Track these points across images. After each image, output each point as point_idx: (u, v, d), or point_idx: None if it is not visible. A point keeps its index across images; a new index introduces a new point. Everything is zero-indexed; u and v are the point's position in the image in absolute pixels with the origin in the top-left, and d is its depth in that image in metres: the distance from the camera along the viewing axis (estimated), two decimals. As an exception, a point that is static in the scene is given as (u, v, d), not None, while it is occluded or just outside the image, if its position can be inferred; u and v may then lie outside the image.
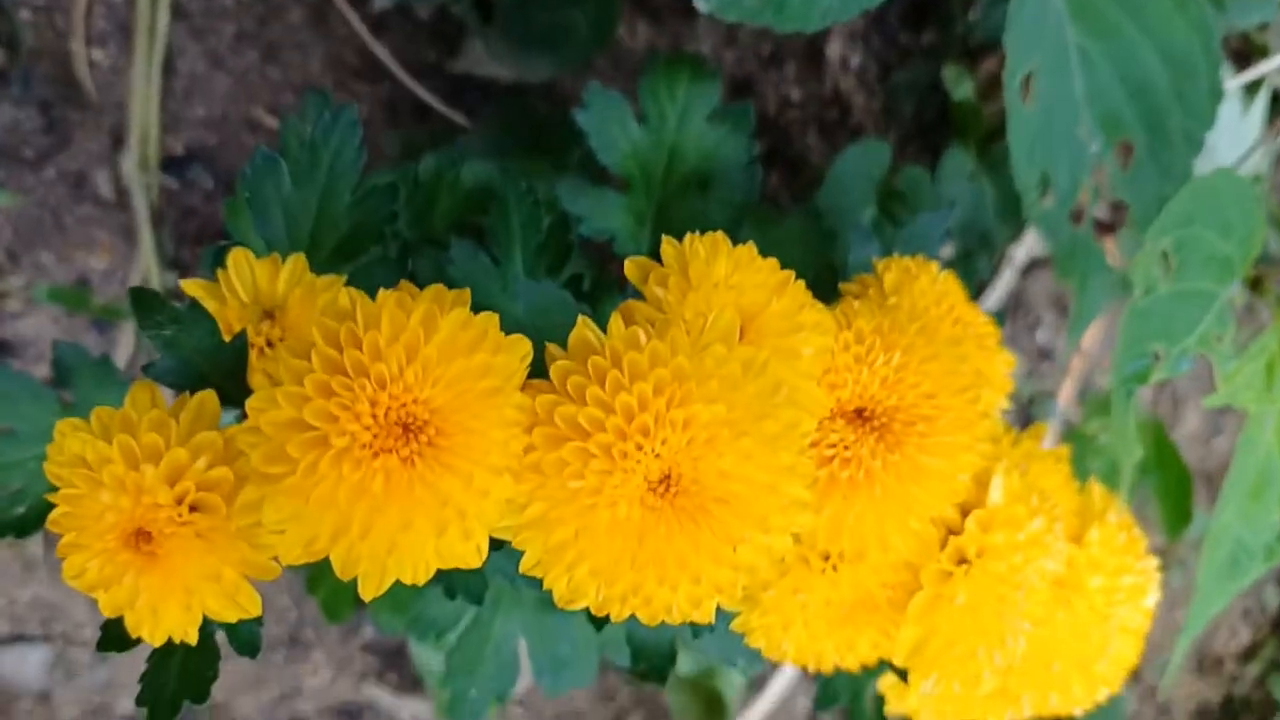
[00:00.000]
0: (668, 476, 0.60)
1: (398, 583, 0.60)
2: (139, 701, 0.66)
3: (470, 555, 0.59)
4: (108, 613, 0.60)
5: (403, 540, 0.55)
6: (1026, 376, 1.58)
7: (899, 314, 0.71)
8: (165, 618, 0.59)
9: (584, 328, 0.62)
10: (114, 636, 0.63)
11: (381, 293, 0.58)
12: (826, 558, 0.71)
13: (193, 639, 0.61)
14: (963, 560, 0.71)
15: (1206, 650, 1.78)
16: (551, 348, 0.62)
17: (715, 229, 0.99)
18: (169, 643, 0.65)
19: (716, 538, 0.59)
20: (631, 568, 0.59)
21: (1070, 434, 1.38)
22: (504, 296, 0.91)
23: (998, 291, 1.36)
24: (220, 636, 0.66)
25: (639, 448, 0.58)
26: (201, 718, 1.39)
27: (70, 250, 1.26)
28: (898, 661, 0.72)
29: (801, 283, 0.70)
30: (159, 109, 1.23)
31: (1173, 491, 1.09)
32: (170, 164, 1.27)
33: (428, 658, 1.31)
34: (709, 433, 0.59)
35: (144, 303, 0.59)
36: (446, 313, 0.58)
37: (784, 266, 0.98)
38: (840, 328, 0.70)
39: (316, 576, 0.95)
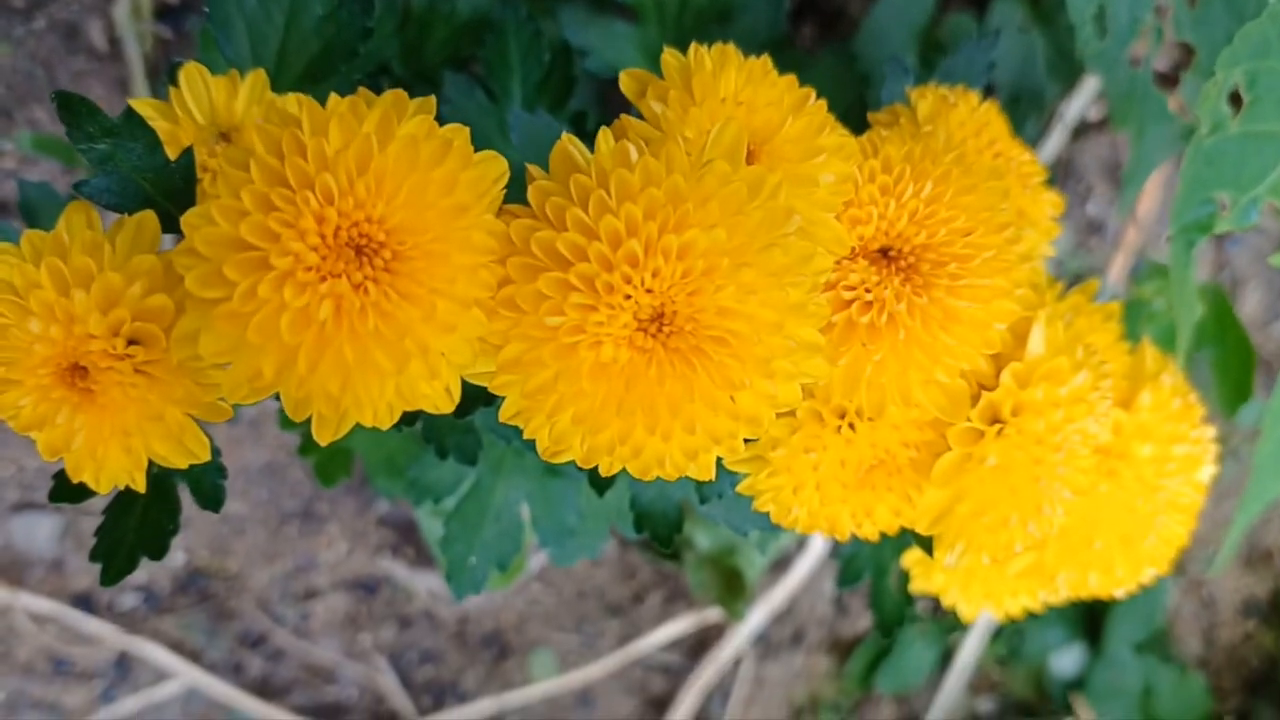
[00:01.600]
0: (660, 313, 0.53)
1: (394, 445, 0.54)
2: (93, 556, 0.61)
3: (439, 398, 0.53)
4: (46, 455, 0.54)
5: (357, 376, 0.49)
6: (1074, 250, 1.48)
7: (933, 141, 0.63)
8: (106, 461, 0.54)
9: (568, 143, 0.54)
10: (64, 486, 0.58)
11: (333, 98, 0.51)
12: (843, 415, 0.64)
13: (139, 485, 0.55)
14: (996, 419, 0.64)
15: (1255, 543, 1.70)
16: (531, 168, 0.55)
17: (736, 69, 0.90)
18: (128, 493, 0.60)
19: (714, 382, 0.53)
20: (618, 414, 0.53)
21: (1126, 302, 1.29)
22: (501, 138, 0.83)
23: (1046, 152, 1.26)
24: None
25: (626, 280, 0.51)
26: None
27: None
28: (921, 529, 0.65)
29: (823, 102, 0.61)
30: (148, -50, 1.15)
31: (1232, 364, 1.00)
32: (165, 12, 1.19)
33: (436, 529, 1.27)
34: (707, 262, 0.52)
35: (73, 111, 0.52)
36: (407, 119, 0.51)
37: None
38: (866, 155, 0.62)
39: (307, 439, 0.90)
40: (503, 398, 0.55)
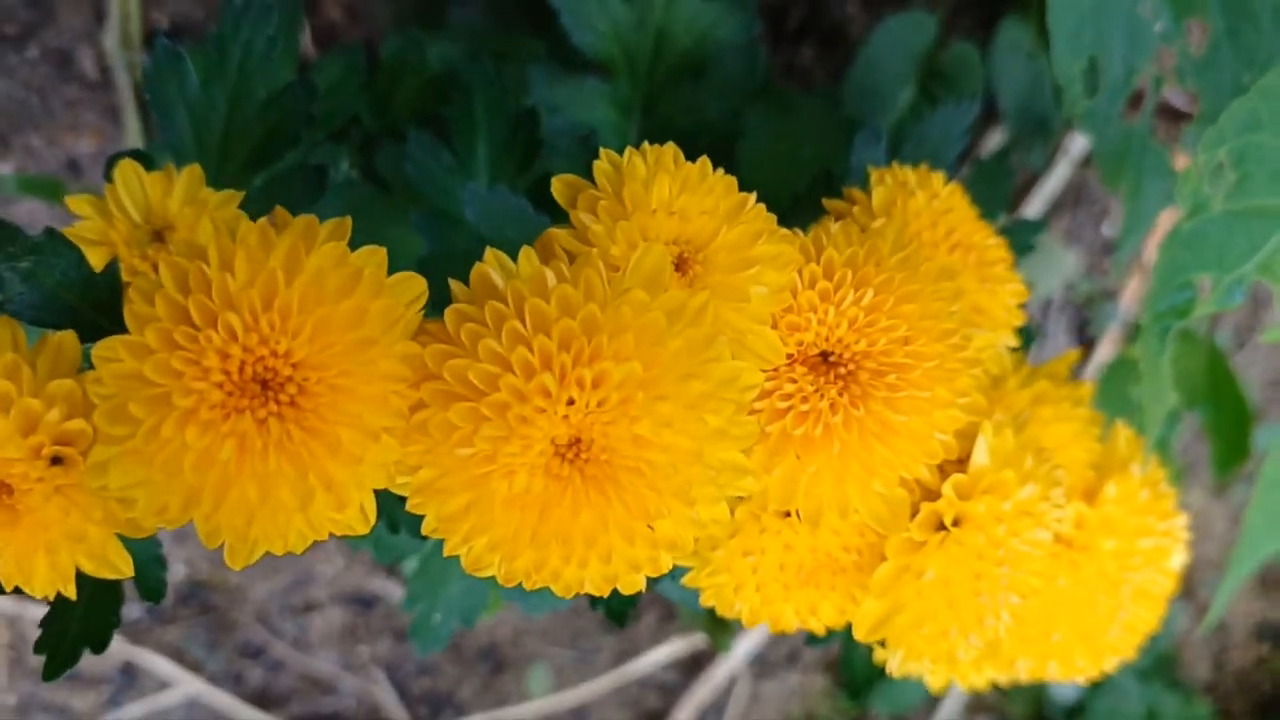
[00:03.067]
0: (577, 441, 0.52)
1: None
2: (37, 649, 0.62)
3: (354, 521, 0.53)
4: (-24, 566, 0.55)
5: (263, 513, 0.49)
6: (1087, 272, 1.45)
7: (880, 241, 0.61)
8: (34, 575, 0.54)
9: (488, 264, 0.53)
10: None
11: (243, 225, 0.50)
12: (785, 515, 0.63)
13: (70, 593, 0.56)
14: (939, 528, 0.63)
15: (1270, 568, 1.67)
16: (455, 286, 0.54)
17: (711, 122, 0.89)
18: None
19: (630, 512, 0.52)
20: (532, 544, 0.52)
21: (1120, 359, 1.26)
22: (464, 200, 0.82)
23: (1051, 184, 1.23)
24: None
25: (540, 410, 0.50)
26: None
27: (58, 133, 1.20)
28: (859, 636, 0.64)
29: (761, 208, 0.60)
30: (138, -22, 1.15)
31: (1227, 424, 0.97)
32: (155, 40, 1.19)
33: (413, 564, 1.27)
34: (622, 394, 0.51)
35: (-10, 232, 0.52)
36: (316, 249, 0.50)
37: (794, 161, 0.88)
38: (808, 258, 0.60)
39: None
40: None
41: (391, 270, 0.52)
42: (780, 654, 1.53)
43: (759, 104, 0.92)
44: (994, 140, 1.22)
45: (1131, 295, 1.45)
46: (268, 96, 0.66)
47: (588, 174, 0.61)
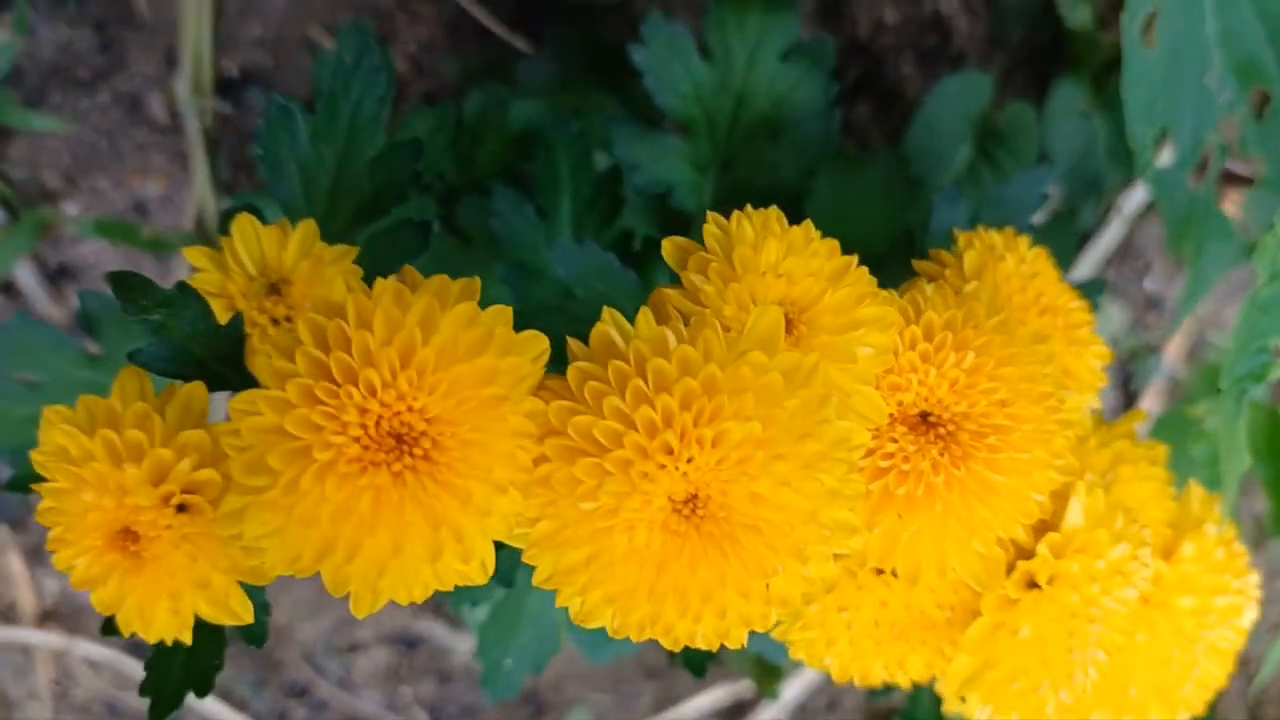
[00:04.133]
0: (694, 497, 0.53)
1: None
2: (142, 691, 0.63)
3: (474, 573, 0.54)
4: (100, 610, 0.57)
5: (394, 564, 0.50)
6: (1131, 327, 1.46)
7: (976, 305, 0.62)
8: (154, 621, 0.56)
9: (607, 324, 0.55)
10: (113, 625, 0.60)
11: (379, 284, 0.52)
12: (880, 572, 0.64)
13: (186, 639, 0.57)
14: (1032, 586, 0.64)
15: (1310, 623, 1.66)
16: (573, 344, 0.56)
17: (786, 182, 0.91)
18: (174, 631, 0.62)
19: (746, 569, 0.53)
20: (649, 598, 0.53)
21: (1174, 408, 1.27)
22: (548, 252, 0.84)
23: (1104, 243, 1.24)
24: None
25: (661, 467, 0.52)
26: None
27: (126, 176, 1.23)
28: (948, 693, 0.65)
29: (863, 271, 0.61)
30: (212, 29, 1.18)
31: (1285, 485, 0.98)
32: (225, 86, 1.22)
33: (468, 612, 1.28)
34: (741, 453, 0.52)
35: (126, 286, 0.54)
36: (449, 308, 0.52)
37: (863, 220, 0.89)
38: (907, 320, 0.62)
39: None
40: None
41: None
42: (820, 703, 1.52)
43: (828, 166, 0.94)
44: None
45: (1175, 350, 1.46)
46: (375, 155, 0.68)
47: (665, 232, 0.63)
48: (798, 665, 1.42)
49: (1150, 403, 1.43)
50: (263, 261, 0.63)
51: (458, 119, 0.88)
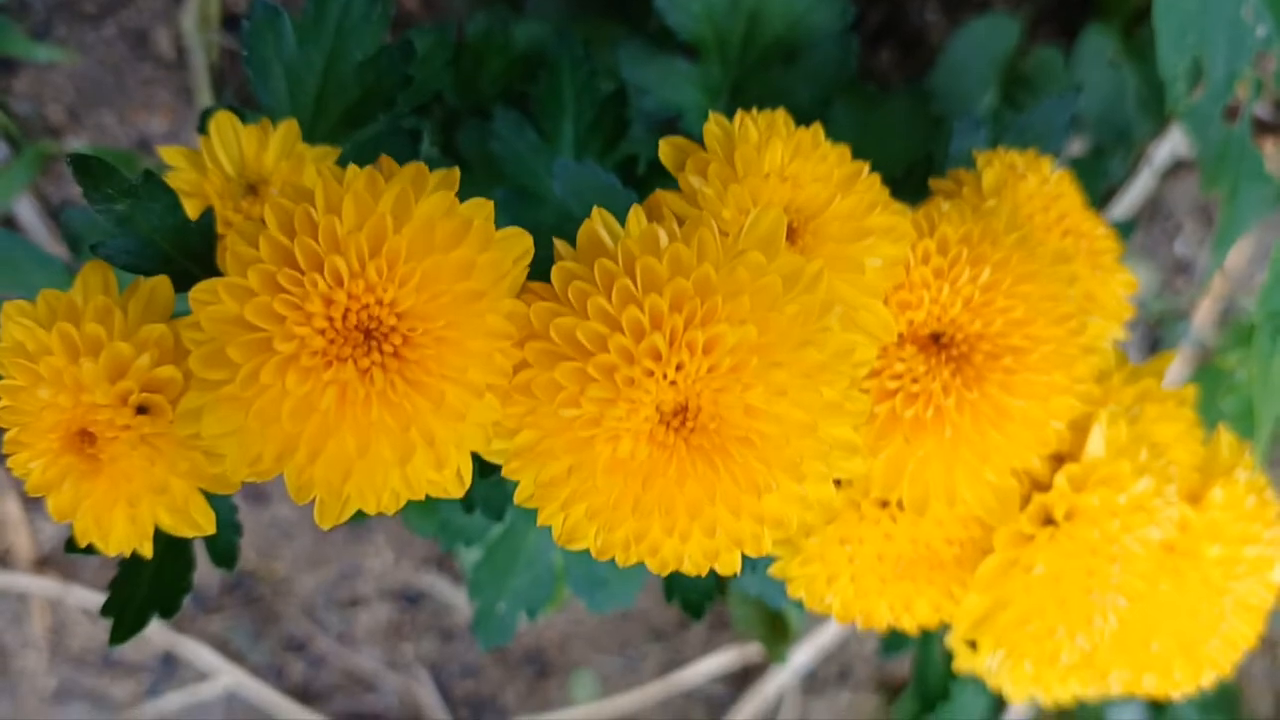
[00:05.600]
0: (684, 408, 0.50)
1: None
2: (104, 611, 0.60)
3: (449, 483, 0.51)
4: (55, 518, 0.54)
5: (360, 467, 0.47)
6: (1159, 291, 1.41)
7: (995, 220, 0.58)
8: (112, 529, 0.53)
9: (595, 223, 0.51)
10: (75, 543, 0.57)
11: (351, 170, 0.48)
12: (884, 504, 0.61)
13: (146, 552, 0.54)
14: (1048, 522, 0.60)
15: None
16: (559, 245, 0.52)
17: (800, 108, 0.86)
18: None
19: (738, 485, 0.49)
20: (633, 513, 0.50)
21: (1204, 366, 1.22)
22: (549, 177, 0.81)
23: (1131, 195, 1.19)
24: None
25: (648, 373, 0.48)
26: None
27: (131, 111, 1.20)
28: (959, 634, 0.61)
29: (876, 177, 0.58)
30: (217, -41, 1.15)
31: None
32: (231, 21, 1.19)
33: (470, 556, 1.25)
34: (734, 360, 0.48)
35: (89, 172, 0.51)
36: (426, 196, 0.48)
37: (881, 156, 0.85)
38: (921, 234, 0.58)
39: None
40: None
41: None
42: (831, 671, 1.49)
43: (846, 97, 0.90)
44: (1073, 149, 1.19)
45: (1204, 315, 1.41)
46: (365, 58, 0.64)
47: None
48: (807, 629, 1.39)
49: (1178, 368, 1.38)
50: (241, 161, 0.60)
51: (459, 39, 0.85)
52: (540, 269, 0.52)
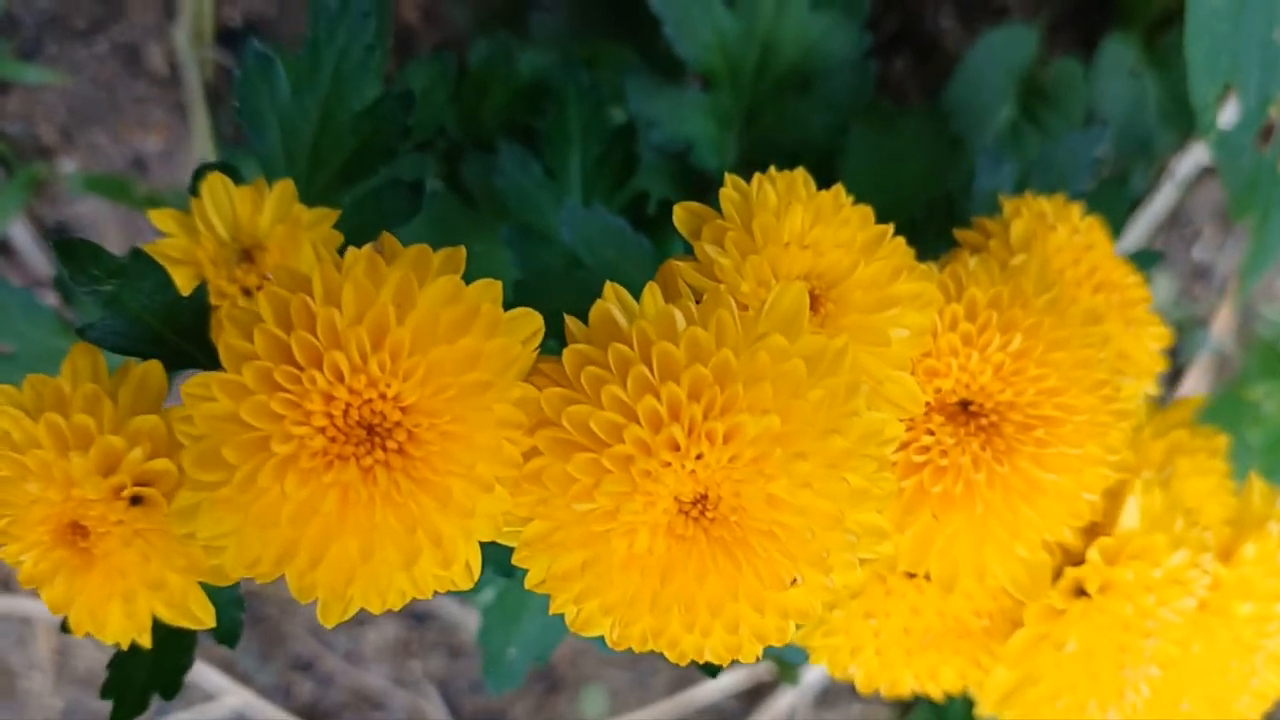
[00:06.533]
0: (703, 499, 0.47)
1: None
2: (103, 694, 0.58)
3: (458, 578, 0.48)
4: (51, 611, 0.51)
5: (364, 571, 0.45)
6: (1177, 299, 1.38)
7: (1024, 280, 0.56)
8: (107, 623, 0.51)
9: (609, 301, 0.49)
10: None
11: (350, 254, 0.46)
12: (911, 576, 0.58)
13: (145, 642, 0.52)
14: (1080, 594, 0.57)
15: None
16: (571, 324, 0.49)
17: (815, 138, 0.84)
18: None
19: (761, 580, 0.47)
20: (651, 610, 0.47)
21: (1225, 388, 1.19)
22: (555, 214, 0.78)
23: (1154, 208, 1.16)
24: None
25: (666, 465, 0.46)
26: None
27: (125, 130, 1.17)
28: (986, 708, 0.59)
29: (899, 242, 0.55)
30: (210, -26, 1.12)
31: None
32: (226, 36, 1.16)
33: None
34: (756, 450, 0.46)
35: (73, 255, 0.48)
36: (429, 282, 0.46)
37: (898, 184, 0.82)
38: (947, 298, 0.55)
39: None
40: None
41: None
42: (843, 685, 1.47)
43: (861, 120, 0.87)
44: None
45: (1223, 323, 1.38)
46: (363, 108, 0.61)
47: (683, 194, 0.56)
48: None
49: (1197, 378, 1.36)
50: (235, 225, 0.57)
51: (461, 70, 0.82)
52: (551, 323, 0.50)
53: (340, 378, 0.44)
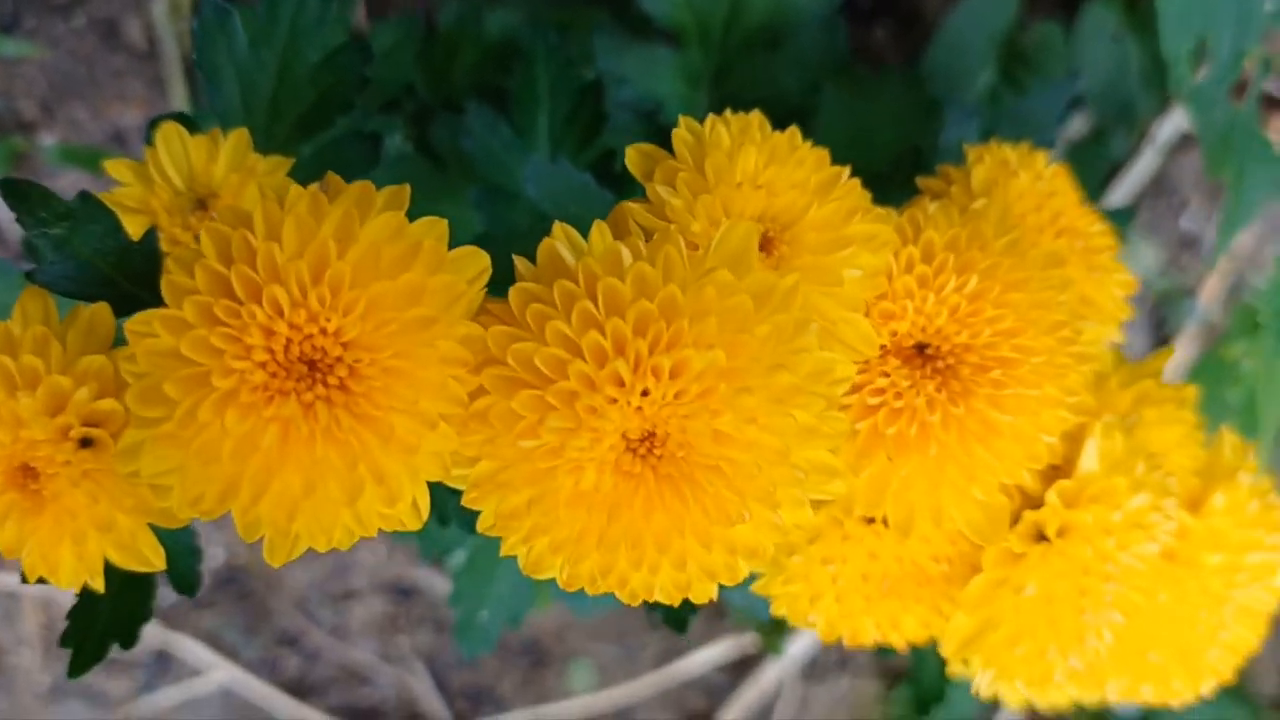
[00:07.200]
0: (651, 435, 0.47)
1: None
2: (63, 641, 0.58)
3: (405, 516, 0.48)
4: (4, 554, 0.51)
5: (307, 506, 0.45)
6: (1164, 269, 1.37)
7: (983, 224, 0.55)
8: (59, 566, 0.50)
9: (556, 239, 0.49)
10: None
11: (293, 191, 0.46)
12: (870, 522, 0.58)
13: (98, 586, 0.52)
14: (1040, 539, 0.57)
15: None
16: (519, 263, 0.49)
17: (787, 96, 0.83)
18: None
19: (707, 515, 0.47)
20: (599, 547, 0.47)
21: (1209, 352, 1.19)
22: (523, 173, 0.78)
23: (1135, 174, 1.16)
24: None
25: (612, 401, 0.46)
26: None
27: (104, 104, 1.17)
28: (947, 654, 0.59)
29: (855, 182, 0.54)
30: (187, -56, 1.11)
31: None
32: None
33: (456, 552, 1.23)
34: (702, 385, 0.46)
35: (22, 197, 0.48)
36: (372, 218, 0.46)
37: (872, 144, 0.82)
38: (904, 240, 0.55)
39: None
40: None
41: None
42: (831, 658, 1.47)
43: (836, 82, 0.87)
44: (1074, 127, 1.15)
45: (1211, 292, 1.38)
46: (320, 59, 0.61)
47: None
48: (805, 619, 1.37)
49: (1185, 348, 1.35)
50: (190, 174, 0.57)
51: (430, 30, 0.81)
52: (510, 279, 0.50)
53: (280, 312, 0.44)
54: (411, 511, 0.48)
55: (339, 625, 1.39)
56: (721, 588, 0.71)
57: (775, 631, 1.26)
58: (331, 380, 0.44)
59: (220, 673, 1.36)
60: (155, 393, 0.44)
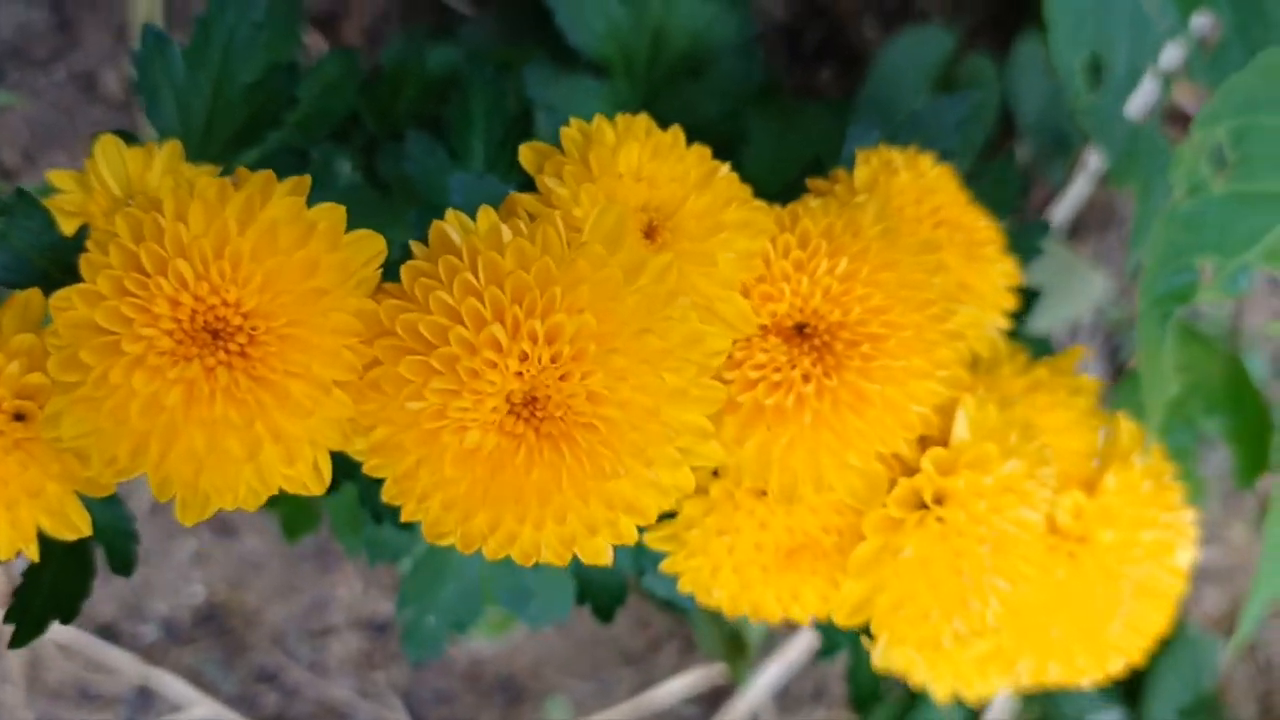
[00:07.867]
0: (534, 399, 0.51)
1: (355, 501, 0.53)
2: (6, 617, 0.62)
3: (307, 478, 0.52)
4: (-56, 526, 0.55)
5: (210, 462, 0.49)
6: (1116, 299, 1.41)
7: (859, 214, 0.60)
8: (-5, 533, 0.54)
9: (447, 222, 0.53)
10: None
11: (200, 180, 0.50)
12: (762, 494, 0.61)
13: (33, 554, 0.56)
14: (921, 506, 0.60)
15: (1321, 607, 1.59)
16: (414, 245, 0.54)
17: (710, 123, 0.88)
18: (43, 555, 0.61)
19: (584, 469, 0.51)
20: (484, 502, 0.51)
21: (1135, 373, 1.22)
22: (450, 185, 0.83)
23: (1069, 201, 1.20)
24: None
25: (491, 364, 0.50)
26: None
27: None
28: (839, 620, 0.62)
29: (733, 176, 0.59)
30: (163, 3, 1.18)
31: (1248, 432, 0.94)
32: (144, 29, 1.22)
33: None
34: (575, 348, 0.50)
35: (-40, 191, 0.53)
36: (275, 201, 0.50)
37: (796, 167, 0.87)
38: (783, 229, 0.59)
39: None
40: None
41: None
42: (805, 689, 1.48)
43: (763, 111, 0.92)
44: (1019, 155, 1.20)
45: (1164, 320, 1.41)
46: (252, 80, 0.67)
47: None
48: (774, 646, 1.39)
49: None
50: (126, 181, 0.62)
51: (376, 68, 0.87)
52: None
53: (185, 284, 0.48)
54: (313, 474, 0.52)
55: (316, 661, 1.42)
56: (647, 582, 0.75)
57: (739, 657, 1.28)
58: (232, 347, 0.48)
59: (201, 709, 1.38)
60: (73, 360, 0.48)
